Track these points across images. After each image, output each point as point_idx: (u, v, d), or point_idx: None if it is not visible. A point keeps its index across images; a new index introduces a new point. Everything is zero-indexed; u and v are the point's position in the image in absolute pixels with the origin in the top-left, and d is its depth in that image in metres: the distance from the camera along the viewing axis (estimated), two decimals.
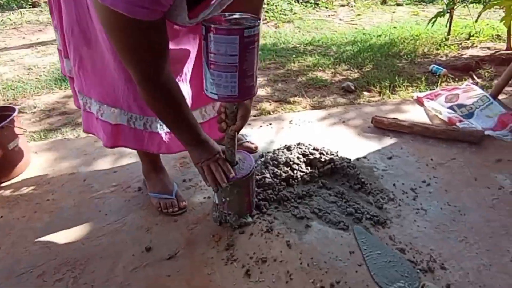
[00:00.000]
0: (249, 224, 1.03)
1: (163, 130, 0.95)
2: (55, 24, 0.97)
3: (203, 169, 0.90)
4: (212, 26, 0.69)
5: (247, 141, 1.38)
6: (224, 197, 0.97)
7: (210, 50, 0.71)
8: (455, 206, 1.09)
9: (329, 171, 1.21)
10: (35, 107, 1.88)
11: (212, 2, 0.69)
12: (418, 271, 0.88)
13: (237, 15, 0.75)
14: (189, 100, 0.96)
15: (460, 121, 1.51)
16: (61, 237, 1.03)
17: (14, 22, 3.81)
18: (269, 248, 0.95)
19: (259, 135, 1.48)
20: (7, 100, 1.98)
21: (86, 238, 1.02)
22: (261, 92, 1.97)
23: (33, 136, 1.59)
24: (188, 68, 0.93)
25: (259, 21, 0.72)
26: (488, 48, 2.60)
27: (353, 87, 1.96)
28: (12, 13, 4.17)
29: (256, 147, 1.38)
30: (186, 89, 0.94)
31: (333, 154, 1.27)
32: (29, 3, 4.45)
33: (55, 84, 2.14)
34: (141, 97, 0.80)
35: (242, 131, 1.19)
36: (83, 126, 1.07)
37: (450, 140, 1.42)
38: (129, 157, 1.36)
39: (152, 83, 0.75)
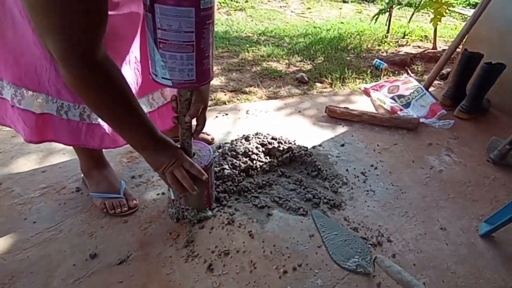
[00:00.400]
0: (209, 218, 1.00)
1: None
2: None
3: (165, 176, 0.77)
4: None
5: (203, 132, 1.30)
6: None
7: (159, 26, 0.57)
8: (398, 186, 1.22)
9: (288, 159, 1.25)
10: None
11: None
12: (370, 246, 0.97)
13: None
14: (134, 88, 0.81)
15: (401, 110, 1.67)
16: None
17: None
18: (231, 240, 0.95)
19: (215, 125, 1.46)
20: None
21: (7, 253, 0.85)
22: (215, 81, 1.94)
23: None
24: (135, 47, 0.78)
25: None
26: (419, 46, 2.90)
27: (306, 78, 2.04)
28: None
29: (213, 139, 1.34)
30: (130, 74, 0.79)
31: (291, 143, 1.32)
32: None
33: None
34: (67, 82, 0.59)
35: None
36: None
37: (393, 127, 1.57)
38: (62, 153, 1.20)
39: (85, 61, 0.54)
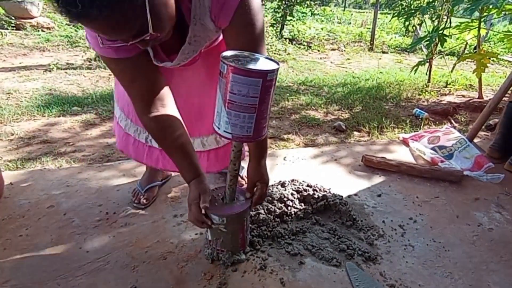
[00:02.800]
0: (243, 261, 1.01)
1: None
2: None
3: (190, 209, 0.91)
4: (233, 65, 0.67)
5: (241, 175, 1.41)
6: (217, 233, 0.95)
7: (230, 90, 0.69)
8: (440, 242, 1.16)
9: (322, 207, 1.27)
10: (12, 134, 1.78)
11: (183, 47, 0.81)
12: None
13: (252, 55, 0.75)
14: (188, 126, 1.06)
15: (442, 161, 1.63)
16: (34, 277, 0.94)
17: None
18: (263, 286, 0.94)
19: None
20: None
21: (62, 278, 0.93)
22: None
23: (8, 165, 1.50)
24: (198, 96, 1.06)
25: (279, 66, 0.73)
26: (463, 95, 2.84)
27: (344, 127, 2.10)
28: None
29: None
30: (187, 115, 1.06)
31: (326, 191, 1.34)
32: (12, 25, 4.20)
33: (37, 110, 2.07)
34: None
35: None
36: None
37: (433, 179, 1.52)
38: (116, 190, 1.33)
39: (140, 116, 0.87)
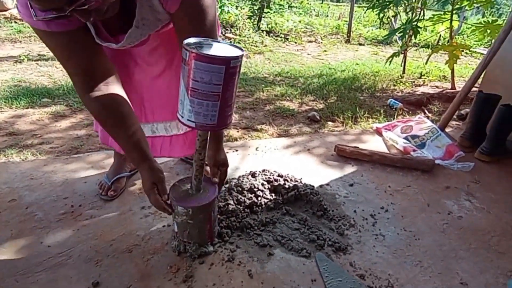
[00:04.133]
0: (210, 253, 0.99)
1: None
2: None
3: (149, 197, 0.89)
4: (195, 51, 0.65)
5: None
6: (183, 225, 0.93)
7: (193, 77, 0.67)
8: (411, 231, 1.14)
9: (293, 197, 1.22)
10: None
11: (130, 31, 0.75)
12: None
13: (216, 41, 0.73)
14: (142, 111, 1.07)
15: (414, 150, 1.62)
16: None
17: None
18: (230, 278, 0.92)
19: None
20: None
21: (21, 275, 0.90)
22: None
23: None
24: (149, 79, 1.02)
25: (243, 52, 0.71)
26: (437, 86, 2.89)
27: (318, 117, 2.06)
28: None
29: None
30: (137, 99, 1.04)
31: (297, 181, 1.30)
32: None
33: (5, 102, 2.00)
34: None
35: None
36: None
37: (406, 168, 1.51)
38: (83, 182, 1.28)
39: (81, 96, 0.81)
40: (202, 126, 0.73)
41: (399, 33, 2.72)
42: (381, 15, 2.95)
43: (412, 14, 2.79)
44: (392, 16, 3.13)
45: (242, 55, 0.70)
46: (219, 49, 0.70)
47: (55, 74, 2.65)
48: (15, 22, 4.09)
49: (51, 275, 0.90)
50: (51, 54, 3.04)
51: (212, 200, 0.91)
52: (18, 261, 0.94)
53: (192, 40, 0.71)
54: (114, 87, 0.82)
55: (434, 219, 1.22)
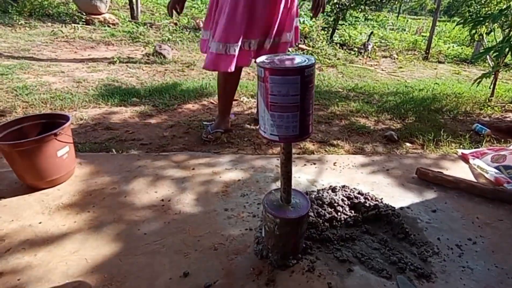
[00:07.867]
0: (291, 267, 1.01)
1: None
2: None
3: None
4: (269, 67, 0.69)
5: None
6: (270, 233, 0.96)
7: (270, 92, 0.71)
8: (503, 269, 1.08)
9: (373, 217, 1.25)
10: (81, 119, 1.98)
11: None
12: None
13: (286, 55, 0.78)
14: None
15: (508, 182, 1.51)
16: (99, 251, 1.04)
17: (66, 36, 3.97)
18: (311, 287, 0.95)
19: (303, 173, 1.56)
20: (54, 109, 2.09)
21: (124, 255, 1.03)
22: None
23: (78, 147, 1.65)
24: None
25: (314, 60, 0.74)
26: None
27: (396, 137, 2.02)
28: (65, 26, 4.33)
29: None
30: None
31: (377, 201, 1.32)
32: (83, 20, 4.61)
33: (102, 99, 2.26)
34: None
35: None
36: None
37: (497, 200, 1.42)
38: (170, 179, 1.43)
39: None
40: (285, 138, 0.75)
41: (493, 52, 2.51)
42: (473, 31, 2.75)
43: (510, 31, 2.55)
44: (486, 33, 2.89)
45: (314, 63, 0.72)
46: (291, 60, 0.73)
47: (142, 76, 2.94)
48: (108, 26, 4.63)
49: (148, 260, 1.02)
50: (138, 57, 3.50)
51: (301, 216, 0.92)
52: (120, 243, 1.08)
53: (263, 58, 0.76)
54: None
55: None
